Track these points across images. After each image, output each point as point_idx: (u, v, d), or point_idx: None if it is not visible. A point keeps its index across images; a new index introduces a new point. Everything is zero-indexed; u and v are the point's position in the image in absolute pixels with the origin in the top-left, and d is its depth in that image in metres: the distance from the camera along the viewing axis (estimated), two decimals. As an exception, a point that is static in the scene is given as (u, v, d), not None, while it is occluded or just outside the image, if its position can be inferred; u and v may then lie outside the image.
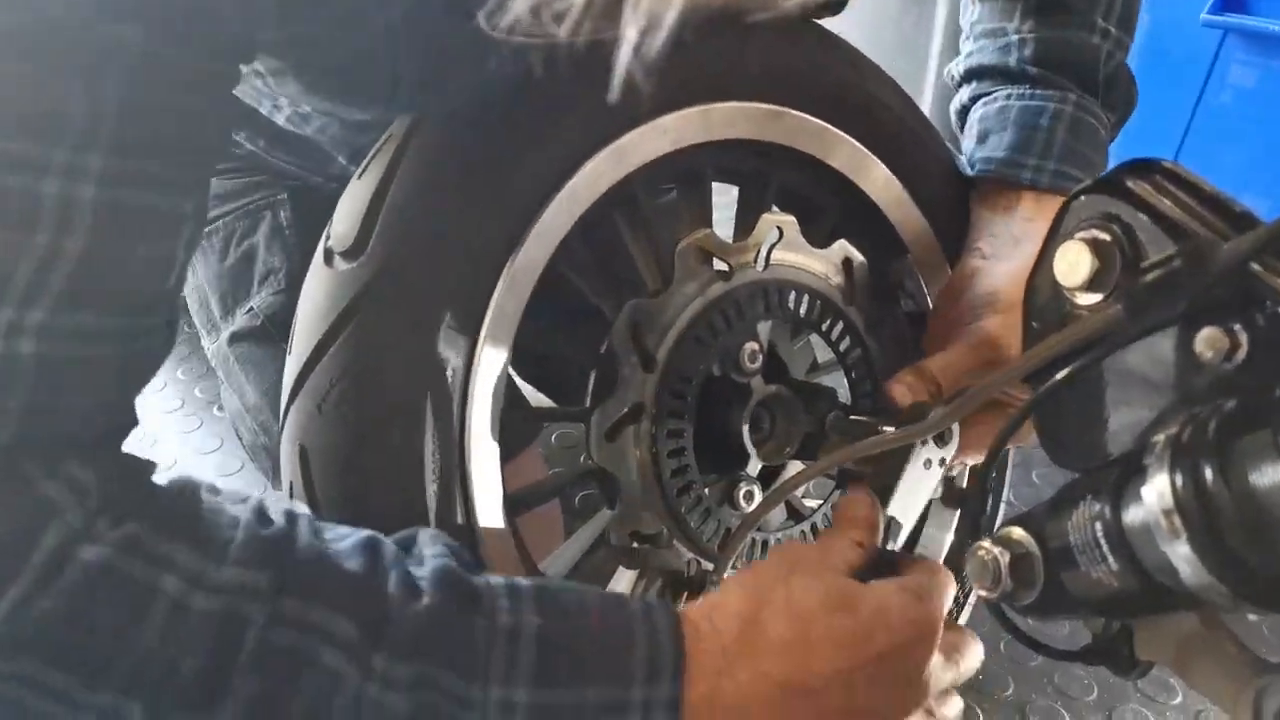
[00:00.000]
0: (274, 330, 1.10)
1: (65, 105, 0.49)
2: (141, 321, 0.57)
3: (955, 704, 0.64)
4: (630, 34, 0.52)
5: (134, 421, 0.60)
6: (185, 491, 0.57)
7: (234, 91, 0.63)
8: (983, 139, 0.96)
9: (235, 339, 1.12)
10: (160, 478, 0.58)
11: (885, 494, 0.73)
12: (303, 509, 0.61)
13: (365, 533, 0.59)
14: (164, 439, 1.66)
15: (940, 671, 0.62)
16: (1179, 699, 1.14)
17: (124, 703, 0.50)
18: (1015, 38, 0.97)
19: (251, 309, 1.12)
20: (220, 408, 1.68)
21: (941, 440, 0.75)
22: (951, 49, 2.16)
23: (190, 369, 1.85)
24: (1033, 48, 0.95)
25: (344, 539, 0.58)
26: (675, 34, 0.52)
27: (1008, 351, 0.85)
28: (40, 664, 0.49)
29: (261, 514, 0.58)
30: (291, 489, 0.68)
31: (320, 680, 0.52)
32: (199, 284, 1.18)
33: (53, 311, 0.50)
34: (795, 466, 0.91)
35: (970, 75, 1.01)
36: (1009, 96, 0.96)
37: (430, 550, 0.60)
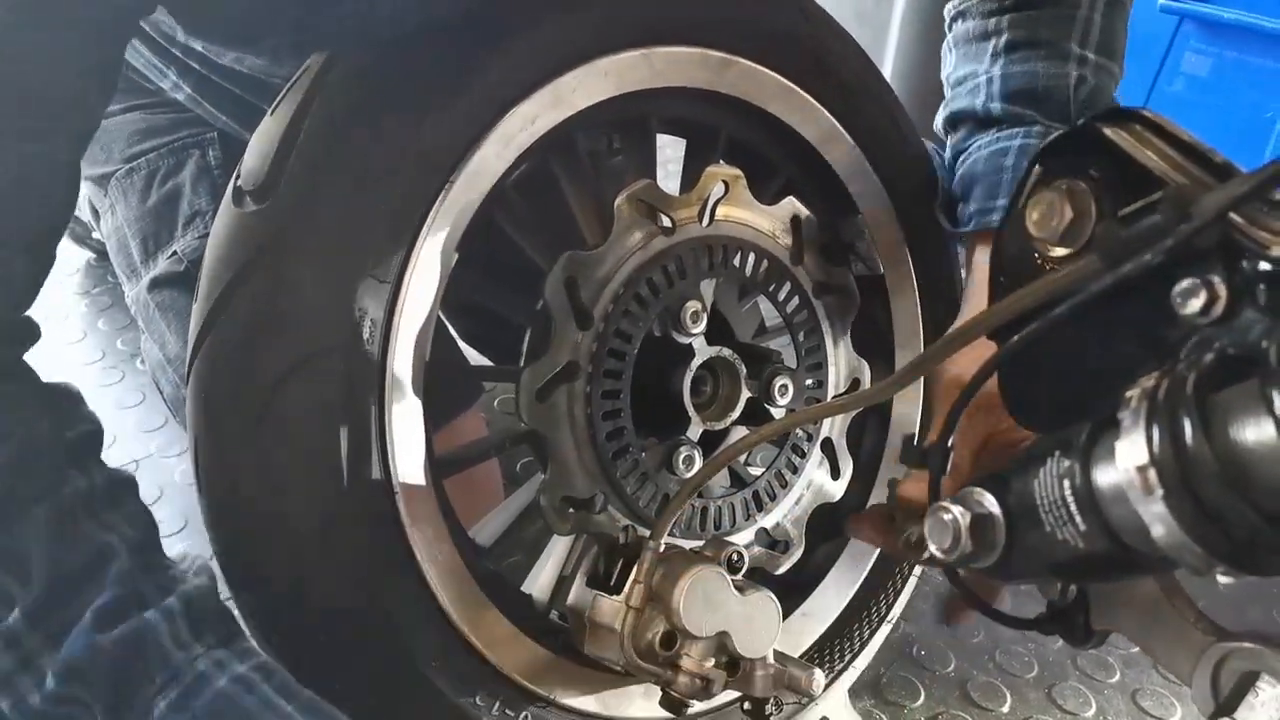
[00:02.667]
0: (198, 276, 1.04)
1: None
2: None
3: None
4: None
5: None
6: None
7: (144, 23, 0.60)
8: (965, 197, 0.94)
9: (156, 285, 1.04)
10: None
11: None
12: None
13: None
14: (82, 392, 1.54)
15: None
16: (1117, 677, 1.14)
17: None
18: (983, 78, 0.95)
19: (174, 253, 1.04)
20: (143, 360, 1.59)
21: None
22: (914, 21, 2.15)
23: (112, 320, 1.73)
24: (999, 84, 0.93)
25: None
26: None
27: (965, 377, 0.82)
28: None
29: None
30: (197, 444, 0.63)
31: None
32: (118, 225, 1.09)
33: None
34: (739, 432, 0.87)
35: (949, 124, 0.99)
36: (979, 147, 0.94)
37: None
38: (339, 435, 0.62)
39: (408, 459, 0.66)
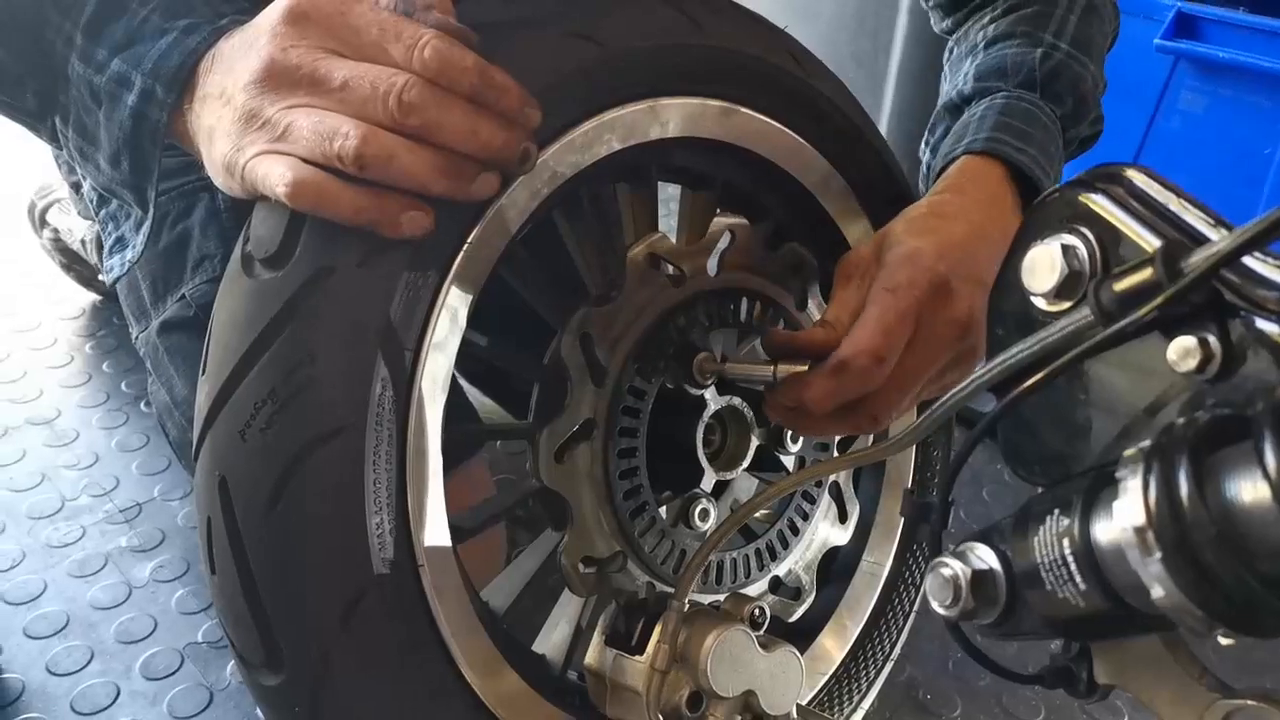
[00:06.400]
0: (207, 320, 1.05)
1: None
2: None
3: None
4: None
5: None
6: None
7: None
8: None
9: (165, 328, 1.06)
10: None
11: None
12: None
13: None
14: (86, 434, 1.54)
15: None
16: (1125, 720, 1.13)
17: None
18: (960, 75, 0.99)
19: (183, 297, 1.05)
20: (148, 403, 1.56)
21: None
22: (911, 65, 2.17)
23: (117, 362, 1.74)
24: (972, 72, 0.97)
25: None
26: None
27: (871, 264, 0.79)
28: None
29: None
30: (210, 524, 0.61)
31: None
32: None
33: None
34: (745, 479, 0.87)
35: (930, 130, 1.01)
36: (949, 130, 0.96)
37: None
38: (363, 512, 0.61)
39: (432, 531, 0.65)
